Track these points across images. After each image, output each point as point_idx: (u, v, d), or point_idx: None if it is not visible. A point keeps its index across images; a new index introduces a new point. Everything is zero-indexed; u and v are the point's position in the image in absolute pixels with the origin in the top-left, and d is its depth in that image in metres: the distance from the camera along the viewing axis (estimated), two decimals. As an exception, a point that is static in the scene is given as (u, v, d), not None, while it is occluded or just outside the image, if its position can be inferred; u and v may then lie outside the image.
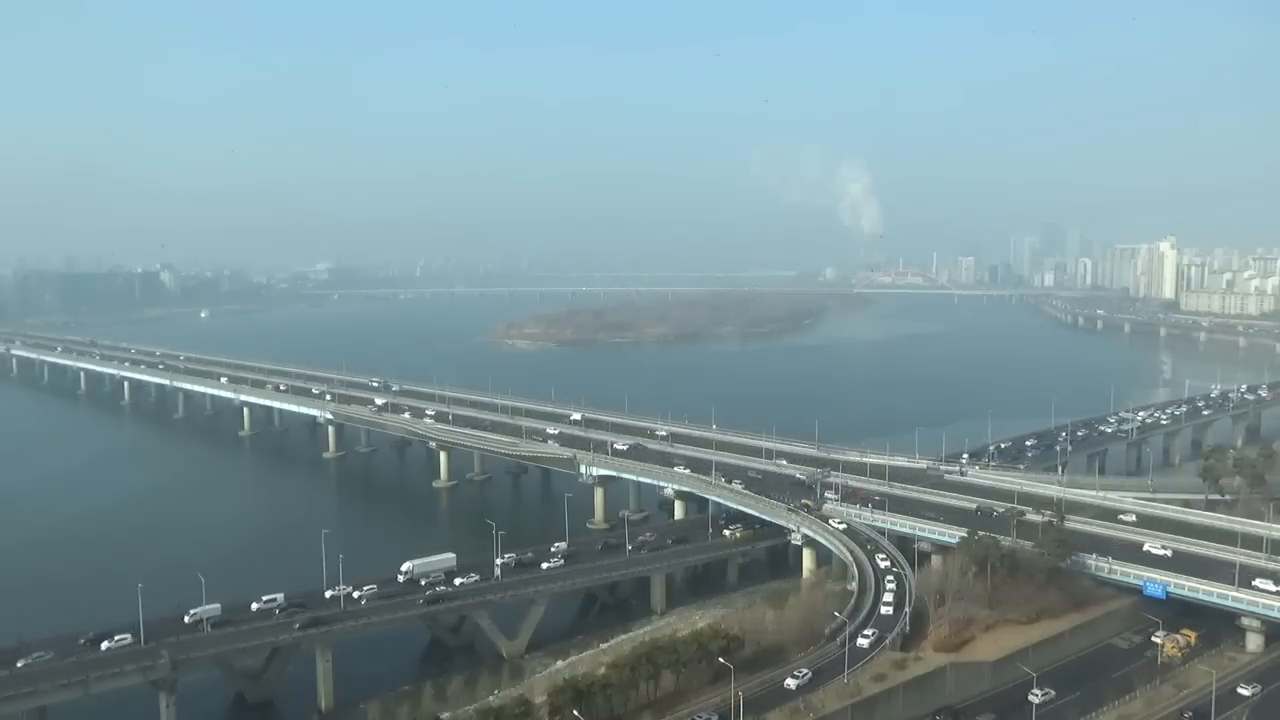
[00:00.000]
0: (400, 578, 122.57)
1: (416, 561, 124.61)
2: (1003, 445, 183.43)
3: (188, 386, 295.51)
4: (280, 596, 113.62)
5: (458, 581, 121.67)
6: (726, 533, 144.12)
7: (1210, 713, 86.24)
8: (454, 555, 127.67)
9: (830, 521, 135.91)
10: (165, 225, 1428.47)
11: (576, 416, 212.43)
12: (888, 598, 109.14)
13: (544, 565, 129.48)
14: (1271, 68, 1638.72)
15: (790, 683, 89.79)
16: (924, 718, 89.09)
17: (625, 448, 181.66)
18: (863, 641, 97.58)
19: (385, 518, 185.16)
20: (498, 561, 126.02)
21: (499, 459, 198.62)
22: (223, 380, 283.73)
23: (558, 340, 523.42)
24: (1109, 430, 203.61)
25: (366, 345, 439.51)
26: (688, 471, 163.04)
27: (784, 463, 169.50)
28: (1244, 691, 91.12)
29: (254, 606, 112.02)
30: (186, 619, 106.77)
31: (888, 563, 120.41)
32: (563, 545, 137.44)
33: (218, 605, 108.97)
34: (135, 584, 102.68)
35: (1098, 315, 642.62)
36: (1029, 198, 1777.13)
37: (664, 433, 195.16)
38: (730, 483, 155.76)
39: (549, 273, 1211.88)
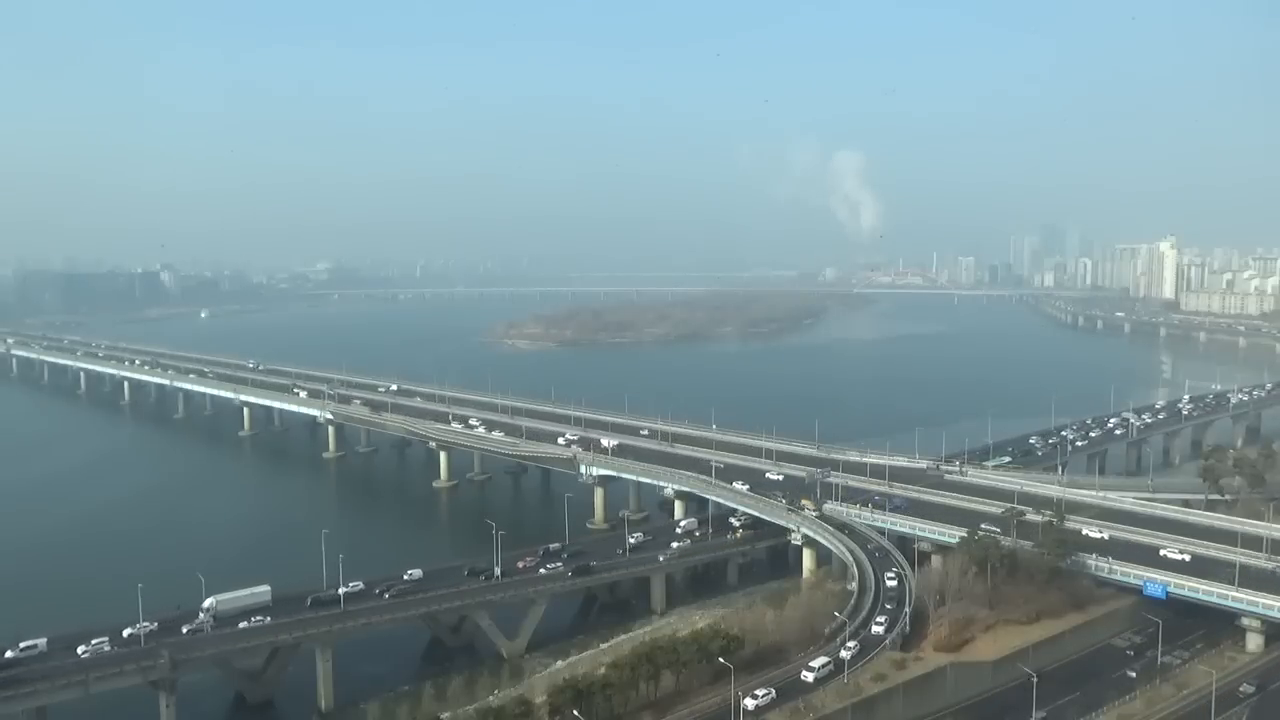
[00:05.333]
0: (201, 615, 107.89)
1: (221, 596, 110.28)
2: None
3: (188, 386, 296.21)
4: (42, 642, 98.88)
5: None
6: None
7: (1210, 713, 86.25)
8: (269, 587, 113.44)
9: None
10: (165, 225, 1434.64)
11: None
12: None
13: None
14: (1272, 68, 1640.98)
15: (845, 654, 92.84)
16: (925, 718, 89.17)
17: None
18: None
19: (385, 518, 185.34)
20: (497, 563, 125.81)
21: (499, 459, 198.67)
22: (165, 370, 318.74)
23: (558, 340, 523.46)
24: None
25: (366, 345, 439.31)
26: (746, 488, 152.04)
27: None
28: None
29: (9, 654, 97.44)
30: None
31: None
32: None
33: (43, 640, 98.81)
34: (135, 584, 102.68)
35: (1098, 315, 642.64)
36: (1029, 198, 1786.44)
37: (645, 431, 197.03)
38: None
39: (549, 273, 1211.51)
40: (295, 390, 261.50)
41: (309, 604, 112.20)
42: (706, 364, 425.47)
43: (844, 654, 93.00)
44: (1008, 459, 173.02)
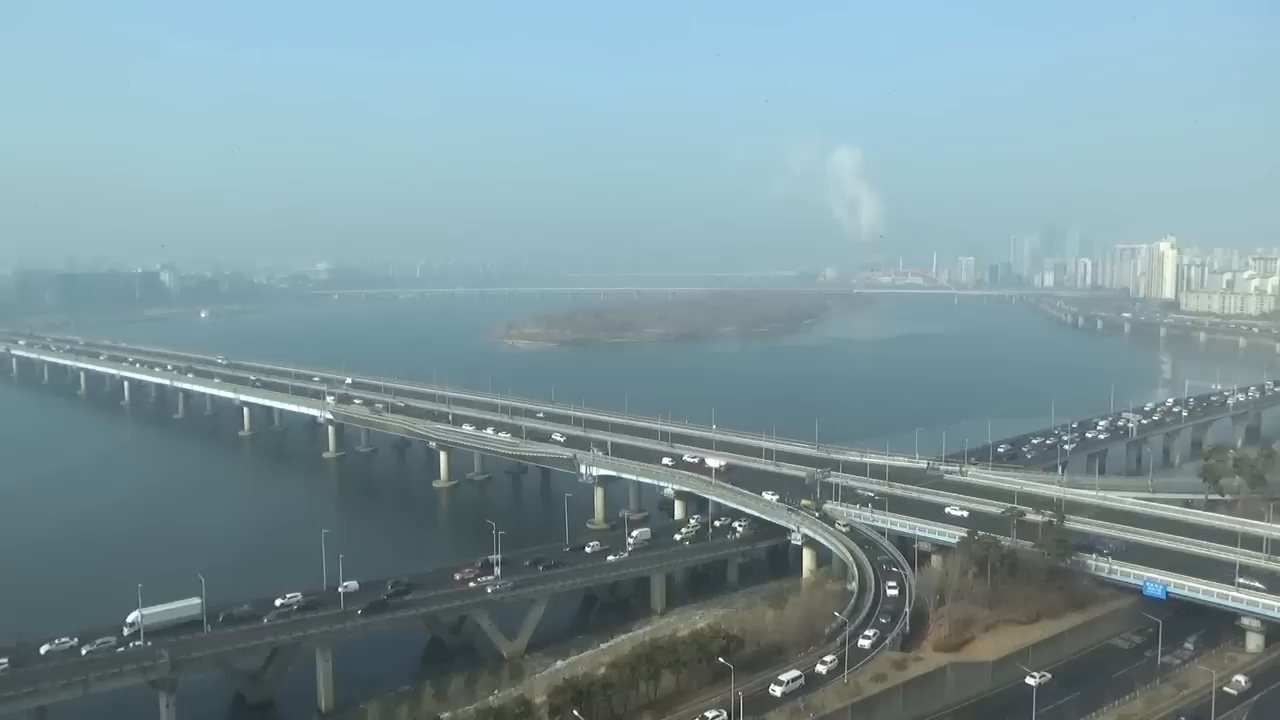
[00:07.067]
0: (126, 630, 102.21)
1: (147, 610, 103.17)
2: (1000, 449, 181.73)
3: (188, 386, 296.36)
4: None
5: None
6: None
7: (1210, 714, 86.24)
8: (199, 600, 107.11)
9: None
10: (165, 225, 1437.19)
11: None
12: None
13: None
14: (1271, 68, 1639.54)
15: (821, 668, 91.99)
16: (925, 718, 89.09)
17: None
18: (864, 642, 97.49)
19: (385, 518, 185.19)
20: (496, 563, 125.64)
21: (499, 459, 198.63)
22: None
23: (558, 340, 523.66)
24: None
25: (365, 345, 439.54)
26: (775, 498, 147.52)
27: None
28: None
29: None
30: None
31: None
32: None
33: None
34: (135, 584, 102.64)
35: (1098, 315, 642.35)
36: (1029, 198, 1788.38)
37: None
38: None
39: (549, 273, 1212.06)
40: (350, 397, 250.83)
41: (220, 620, 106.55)
42: (706, 364, 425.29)
43: (820, 668, 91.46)
44: (972, 465, 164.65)
